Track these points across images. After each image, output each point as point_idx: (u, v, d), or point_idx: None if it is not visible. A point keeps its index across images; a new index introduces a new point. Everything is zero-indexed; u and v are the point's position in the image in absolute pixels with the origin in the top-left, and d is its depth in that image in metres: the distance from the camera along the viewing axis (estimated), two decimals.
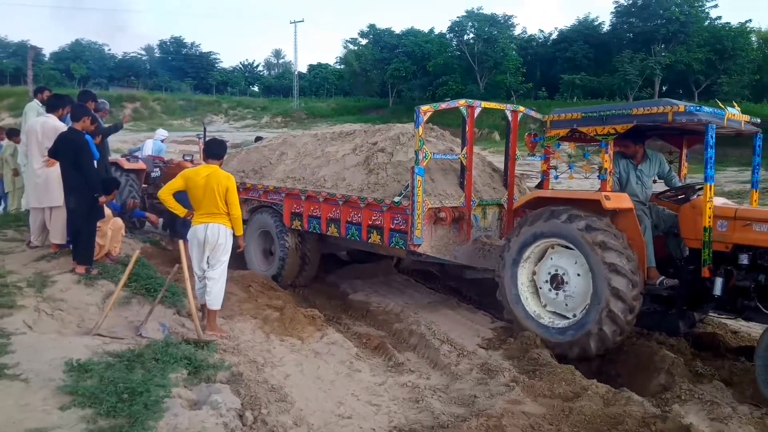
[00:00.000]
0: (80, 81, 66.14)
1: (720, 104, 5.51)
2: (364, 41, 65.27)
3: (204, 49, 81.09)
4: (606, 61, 45.76)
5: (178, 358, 4.41)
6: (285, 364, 5.10)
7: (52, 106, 6.83)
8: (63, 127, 6.46)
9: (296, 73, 70.69)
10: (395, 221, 6.51)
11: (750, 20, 49.11)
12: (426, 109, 6.47)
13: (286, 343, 5.65)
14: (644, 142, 6.15)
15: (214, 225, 5.44)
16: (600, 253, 5.15)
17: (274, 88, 78.78)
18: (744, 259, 4.99)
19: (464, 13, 49.91)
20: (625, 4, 47.50)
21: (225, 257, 5.58)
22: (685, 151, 6.64)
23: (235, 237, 5.64)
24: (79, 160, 6.01)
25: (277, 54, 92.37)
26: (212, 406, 3.78)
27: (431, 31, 59.38)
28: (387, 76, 57.21)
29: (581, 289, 5.47)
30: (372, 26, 63.79)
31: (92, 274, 6.04)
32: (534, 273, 5.88)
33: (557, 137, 6.05)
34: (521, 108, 7.67)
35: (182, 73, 75.25)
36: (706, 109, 5.20)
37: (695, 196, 5.63)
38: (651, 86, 43.01)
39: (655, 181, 6.30)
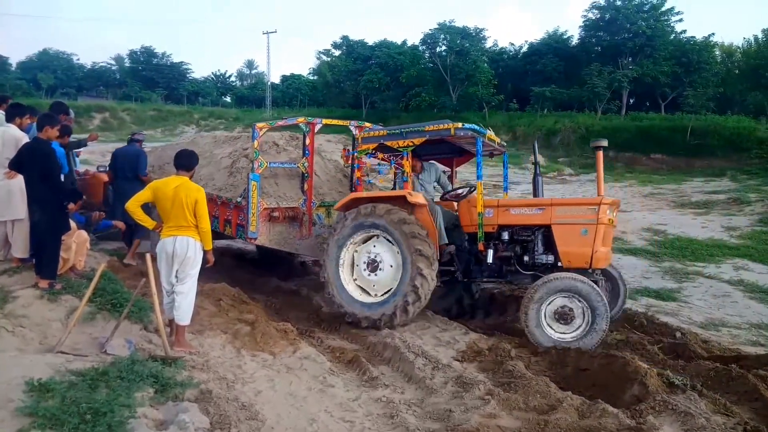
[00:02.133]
0: (48, 91, 64.90)
1: (481, 126, 7.14)
2: (337, 52, 65.40)
3: (175, 59, 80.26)
4: (575, 73, 46.48)
5: (144, 376, 4.26)
6: (256, 380, 4.98)
7: (10, 115, 6.62)
8: (24, 136, 6.26)
9: (269, 83, 70.54)
10: (240, 217, 7.61)
11: (713, 34, 50.66)
12: (261, 126, 7.68)
13: (258, 358, 5.53)
14: (421, 158, 7.86)
15: (182, 238, 5.31)
16: (402, 235, 6.58)
17: (247, 99, 78.31)
18: (505, 235, 6.83)
19: (436, 26, 50.30)
20: (593, 18, 48.37)
21: (194, 271, 5.45)
22: (455, 167, 8.57)
23: (205, 251, 5.50)
24: (46, 171, 5.81)
25: (250, 64, 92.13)
26: (179, 426, 3.66)
27: (404, 43, 59.78)
28: (360, 88, 57.30)
29: (391, 272, 6.82)
30: (345, 38, 63.99)
31: (56, 288, 5.84)
32: (353, 258, 7.14)
33: (367, 150, 7.44)
34: (367, 123, 8.63)
35: (153, 83, 74.37)
36: (477, 127, 6.90)
37: (470, 196, 7.38)
38: (619, 98, 43.83)
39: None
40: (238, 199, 7.65)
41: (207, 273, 5.75)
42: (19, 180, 6.09)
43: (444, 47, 50.07)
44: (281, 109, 70.90)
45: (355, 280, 7.12)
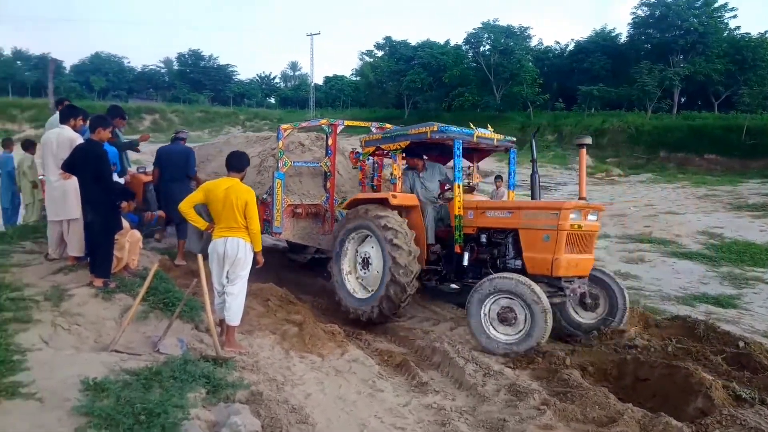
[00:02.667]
0: (100, 93, 67.00)
1: (472, 125, 7.24)
2: (380, 53, 65.50)
3: (222, 61, 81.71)
4: (624, 72, 45.34)
5: (196, 377, 4.26)
6: (305, 382, 4.94)
7: (64, 116, 6.74)
8: (78, 138, 6.39)
9: (312, 84, 71.14)
10: (266, 213, 7.89)
11: None
12: (286, 127, 8.23)
13: (306, 360, 5.49)
14: (423, 157, 7.88)
15: (233, 239, 5.32)
16: (382, 234, 6.76)
17: (291, 100, 79.19)
18: (483, 238, 6.85)
19: (480, 25, 49.80)
20: (643, 15, 47.11)
21: (244, 272, 5.45)
22: (476, 163, 8.31)
23: (255, 252, 5.50)
24: (98, 172, 5.91)
25: (294, 66, 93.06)
26: (232, 428, 3.63)
27: (447, 42, 59.45)
28: (403, 88, 57.24)
29: (379, 268, 6.98)
30: (388, 38, 64.07)
31: (110, 287, 5.94)
32: (355, 255, 7.44)
33: (368, 153, 7.86)
34: (387, 125, 9.01)
35: (200, 85, 75.95)
36: (454, 129, 6.97)
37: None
38: (670, 97, 42.53)
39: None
40: (264, 196, 8.00)
41: (254, 273, 5.74)
42: (74, 180, 6.22)
43: (488, 46, 49.52)
44: (324, 110, 71.42)
45: (357, 277, 7.44)
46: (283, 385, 4.77)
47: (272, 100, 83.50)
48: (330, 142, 8.45)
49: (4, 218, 9.82)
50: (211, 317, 5.05)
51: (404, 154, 7.56)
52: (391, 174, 7.51)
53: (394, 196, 7.02)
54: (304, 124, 8.88)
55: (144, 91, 76.34)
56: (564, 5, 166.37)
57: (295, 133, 9.30)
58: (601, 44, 49.92)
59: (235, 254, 5.32)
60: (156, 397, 3.82)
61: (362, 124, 9.11)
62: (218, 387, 4.27)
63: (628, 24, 49.28)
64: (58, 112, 7.62)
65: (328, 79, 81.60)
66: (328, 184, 8.53)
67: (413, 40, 62.15)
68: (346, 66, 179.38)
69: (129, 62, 79.35)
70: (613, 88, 44.47)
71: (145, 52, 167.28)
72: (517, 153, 8.11)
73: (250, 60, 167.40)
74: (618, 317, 6.65)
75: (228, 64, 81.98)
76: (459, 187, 6.89)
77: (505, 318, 5.96)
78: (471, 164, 8.12)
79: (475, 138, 7.09)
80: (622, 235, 15.37)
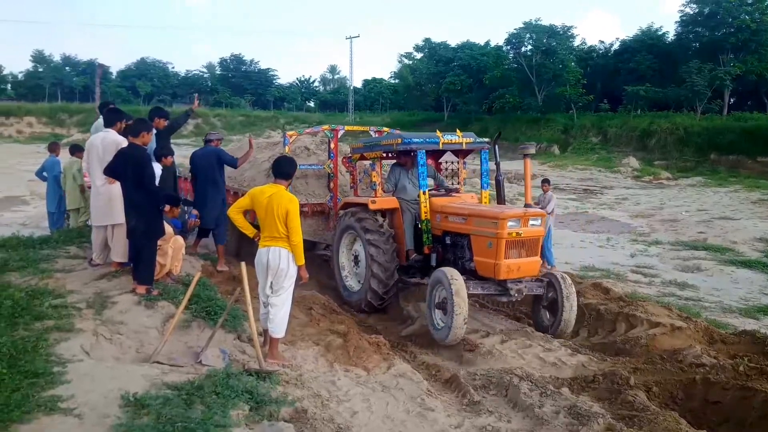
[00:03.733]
0: (145, 98, 68.60)
1: (438, 132, 7.71)
2: (419, 55, 65.22)
3: (262, 65, 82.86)
4: (671, 71, 43.97)
5: (239, 392, 4.07)
6: (351, 398, 4.71)
7: (109, 120, 6.67)
8: (123, 141, 6.30)
9: (351, 87, 71.35)
10: None
11: None
12: (291, 134, 9.16)
13: (351, 373, 5.27)
14: (412, 156, 7.89)
15: (275, 249, 5.11)
16: (363, 234, 7.50)
17: (330, 103, 79.68)
18: (447, 240, 7.35)
19: (522, 25, 48.99)
20: (692, 12, 45.61)
21: (288, 283, 5.23)
22: (461, 161, 8.70)
23: (298, 267, 5.25)
24: (140, 176, 5.80)
25: (333, 70, 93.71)
26: None
27: (487, 43, 58.78)
28: (442, 90, 56.83)
29: (364, 264, 7.65)
30: (427, 40, 63.71)
31: (153, 294, 5.83)
32: (350, 252, 8.16)
33: (356, 159, 8.68)
34: (385, 129, 9.78)
35: (241, 90, 77.07)
36: (417, 140, 7.50)
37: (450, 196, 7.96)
38: (720, 97, 41.02)
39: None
40: None
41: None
42: (119, 185, 6.13)
43: (530, 47, 48.70)
44: (363, 112, 71.61)
45: (351, 272, 8.20)
46: (328, 401, 4.56)
47: (311, 104, 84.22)
48: (332, 146, 9.14)
49: (50, 222, 9.90)
50: (254, 328, 4.87)
51: (397, 153, 8.02)
52: (371, 180, 8.14)
53: (373, 201, 7.64)
54: (307, 131, 9.91)
55: (187, 96, 77.81)
56: (608, 4, 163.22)
57: (302, 139, 10.20)
58: (647, 43, 48.49)
59: (277, 264, 5.11)
60: (198, 415, 3.64)
61: (363, 128, 9.74)
62: (262, 403, 4.08)
63: (676, 22, 47.82)
64: (101, 116, 7.60)
65: (366, 82, 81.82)
66: (332, 185, 9.24)
67: (453, 42, 61.78)
68: (385, 69, 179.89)
69: (173, 67, 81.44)
70: (660, 88, 43.15)
71: (189, 57, 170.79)
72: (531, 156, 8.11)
73: (291, 64, 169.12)
74: (557, 321, 6.84)
75: (269, 69, 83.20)
76: (425, 194, 7.48)
77: (441, 306, 6.49)
78: (457, 160, 8.69)
79: (440, 145, 7.58)
80: (675, 241, 14.74)
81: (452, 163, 8.81)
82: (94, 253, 6.77)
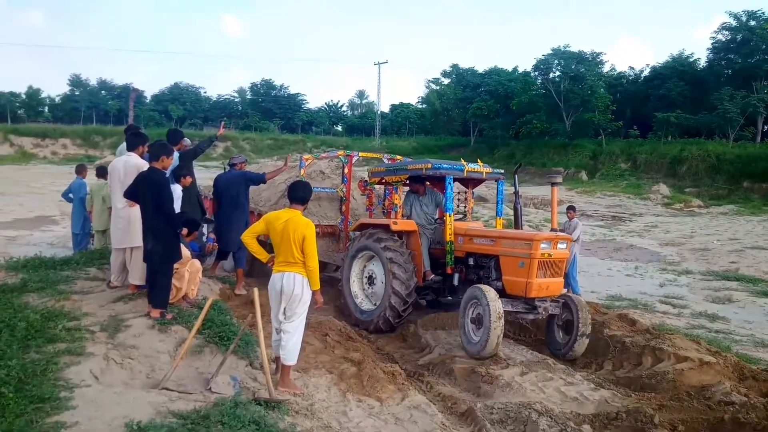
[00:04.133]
0: (177, 121, 70.05)
1: (463, 161, 8.09)
2: (446, 81, 65.57)
3: (292, 90, 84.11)
4: (702, 98, 43.38)
5: (246, 422, 3.97)
6: (362, 430, 4.58)
7: (131, 144, 6.74)
8: (145, 165, 6.34)
9: (378, 112, 71.87)
10: None
11: None
12: (307, 158, 9.53)
13: (364, 404, 5.13)
14: (425, 183, 8.62)
15: (290, 274, 5.04)
16: (383, 253, 7.71)
17: (357, 128, 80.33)
18: (471, 261, 7.74)
19: (550, 51, 48.94)
20: (724, 39, 45.13)
21: (301, 309, 5.14)
22: (470, 190, 9.19)
23: (313, 291, 5.18)
24: (159, 200, 5.81)
25: (361, 95, 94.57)
26: None
27: (515, 69, 58.86)
28: (469, 115, 56.91)
29: (382, 287, 7.86)
30: (455, 66, 64.21)
31: (167, 318, 5.81)
32: (362, 272, 8.35)
33: (374, 183, 9.10)
34: (398, 156, 10.24)
35: (271, 114, 78.23)
36: (446, 165, 7.92)
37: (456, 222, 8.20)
38: (753, 125, 40.21)
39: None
40: None
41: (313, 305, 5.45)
42: (139, 209, 6.17)
43: (558, 72, 48.63)
44: (389, 137, 71.98)
45: (363, 291, 8.33)
46: None
47: (339, 128, 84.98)
48: (346, 170, 9.50)
49: (74, 243, 10.04)
50: (265, 355, 4.78)
51: (409, 180, 8.61)
52: (393, 202, 8.79)
53: (395, 223, 7.97)
54: (323, 155, 10.31)
55: (218, 120, 79.21)
56: (639, 31, 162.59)
57: (317, 162, 10.62)
58: (678, 70, 48.05)
59: (291, 290, 5.04)
60: None
61: (377, 155, 10.35)
62: None
63: (708, 49, 47.45)
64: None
65: (394, 107, 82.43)
66: (344, 208, 9.64)
67: (480, 68, 62.00)
68: (413, 94, 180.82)
69: (205, 92, 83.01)
70: (691, 115, 42.53)
71: (221, 82, 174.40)
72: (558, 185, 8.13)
73: (320, 89, 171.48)
74: (570, 342, 7.12)
75: (298, 93, 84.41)
76: (450, 216, 7.86)
77: (476, 321, 6.76)
78: (467, 190, 9.15)
79: (465, 173, 8.02)
80: (706, 271, 14.31)
81: (459, 193, 9.04)
82: (112, 275, 6.81)
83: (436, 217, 8.55)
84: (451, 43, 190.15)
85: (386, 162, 9.99)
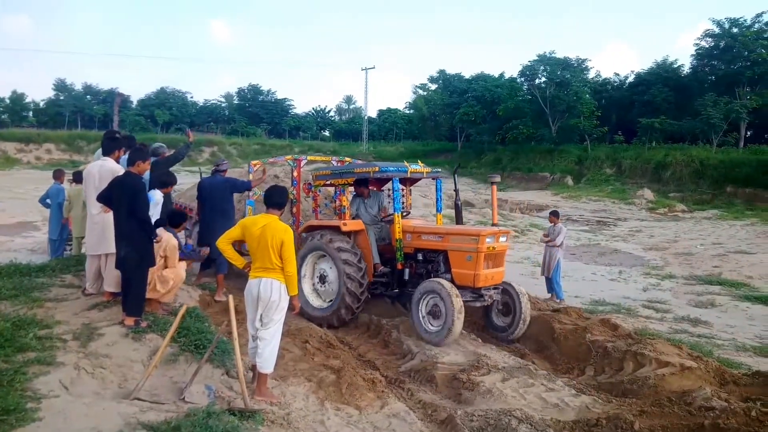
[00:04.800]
0: (163, 126, 69.55)
1: (406, 163, 8.51)
2: (433, 86, 65.71)
3: (279, 95, 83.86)
4: (687, 104, 43.82)
5: None
6: None
7: (107, 149, 6.63)
8: (120, 170, 6.24)
9: (366, 117, 71.83)
10: None
11: None
12: (255, 163, 9.87)
13: (342, 413, 5.06)
14: (368, 187, 9.15)
15: (267, 280, 4.97)
16: (337, 254, 8.01)
17: (345, 133, 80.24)
18: (419, 256, 8.22)
19: (536, 57, 49.21)
20: (707, 46, 45.62)
21: (278, 316, 5.07)
22: (408, 187, 9.69)
23: (291, 297, 5.12)
24: (134, 205, 5.69)
25: (348, 100, 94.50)
26: None
27: (501, 75, 59.14)
28: (456, 121, 57.10)
29: (334, 285, 8.19)
30: (442, 71, 64.30)
31: (141, 326, 5.70)
32: (314, 271, 8.61)
33: (319, 185, 9.37)
34: (347, 159, 10.37)
35: (258, 119, 77.91)
36: (391, 168, 8.28)
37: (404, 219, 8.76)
38: (737, 130, 40.63)
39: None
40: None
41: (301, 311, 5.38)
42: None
43: (544, 78, 48.87)
44: (377, 142, 71.99)
45: (314, 290, 8.59)
46: None
47: (327, 133, 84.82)
48: (295, 174, 9.77)
49: (51, 249, 9.87)
50: (240, 363, 4.69)
51: (354, 183, 9.12)
52: (341, 204, 9.12)
53: (345, 224, 8.34)
54: (271, 160, 10.77)
55: (205, 125, 78.83)
56: (623, 38, 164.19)
57: (273, 168, 11.01)
58: (662, 76, 48.47)
59: (268, 297, 4.96)
60: None
61: (325, 158, 10.39)
62: None
63: (692, 55, 47.93)
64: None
65: (381, 112, 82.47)
66: (294, 210, 9.92)
67: (467, 73, 62.23)
68: (400, 99, 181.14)
69: (192, 97, 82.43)
70: (675, 120, 42.92)
71: (207, 87, 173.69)
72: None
73: (307, 94, 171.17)
74: (516, 321, 7.89)
75: (285, 98, 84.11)
76: (399, 216, 8.27)
77: (433, 313, 7.30)
78: (404, 187, 9.57)
79: (409, 174, 8.47)
80: (689, 275, 14.38)
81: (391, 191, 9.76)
82: (87, 283, 6.69)
83: (381, 216, 9.08)
84: (438, 48, 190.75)
85: (335, 164, 10.39)
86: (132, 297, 5.73)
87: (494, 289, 7.91)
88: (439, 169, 9.36)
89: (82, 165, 39.41)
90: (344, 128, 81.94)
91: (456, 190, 9.16)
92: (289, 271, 5.00)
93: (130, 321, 5.66)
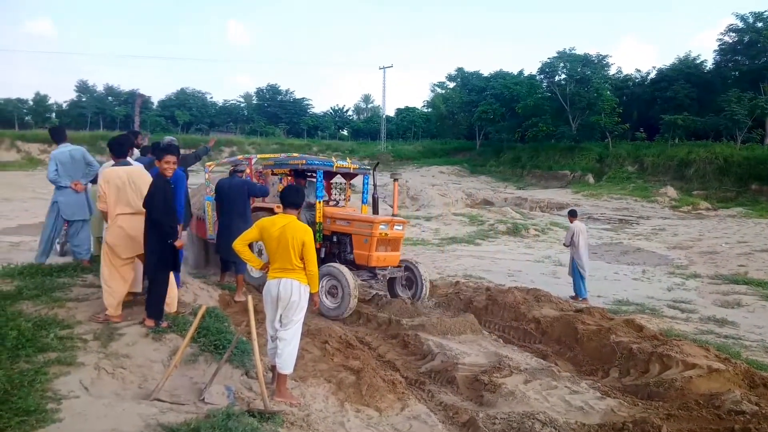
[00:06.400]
0: (183, 126, 70.16)
1: (334, 158, 10.04)
2: (451, 84, 65.41)
3: (297, 95, 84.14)
4: (710, 100, 43.06)
5: None
6: None
7: (121, 153, 6.46)
8: (141, 169, 6.27)
9: (384, 116, 71.77)
10: (205, 226, 9.95)
11: None
12: (210, 164, 10.40)
13: (362, 414, 5.01)
14: (306, 177, 10.22)
15: (287, 281, 4.93)
16: None
17: (363, 132, 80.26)
18: (334, 238, 9.44)
19: (556, 54, 48.67)
20: (731, 41, 44.82)
21: (298, 316, 5.03)
22: (348, 183, 10.85)
23: (311, 294, 5.10)
24: (165, 207, 5.62)
25: (367, 99, 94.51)
26: None
27: (521, 73, 58.70)
28: (474, 119, 56.77)
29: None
30: (460, 69, 63.99)
31: (161, 326, 5.69)
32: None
33: (267, 174, 10.27)
34: (295, 154, 10.68)
35: (276, 119, 78.27)
36: (317, 161, 9.58)
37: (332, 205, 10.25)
38: (761, 127, 39.82)
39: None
40: (199, 213, 10.17)
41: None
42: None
43: (563, 75, 48.32)
44: (395, 141, 71.87)
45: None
46: None
47: (345, 132, 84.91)
48: (248, 171, 10.05)
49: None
50: (259, 364, 4.66)
51: (294, 175, 10.02)
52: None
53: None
54: (223, 161, 11.77)
55: (224, 125, 79.38)
56: (645, 34, 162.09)
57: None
58: (685, 72, 47.68)
59: (288, 297, 4.92)
60: None
61: (274, 156, 10.91)
62: None
63: (714, 51, 47.18)
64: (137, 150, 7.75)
65: (399, 111, 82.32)
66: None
67: (486, 71, 61.86)
68: (418, 98, 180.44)
69: (211, 97, 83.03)
70: (698, 117, 42.20)
71: (227, 87, 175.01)
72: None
73: (325, 93, 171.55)
74: (418, 290, 9.45)
75: (303, 98, 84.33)
76: (320, 203, 9.34)
77: (331, 292, 8.51)
78: (345, 181, 10.81)
79: (334, 168, 9.55)
80: (714, 274, 14.10)
81: (340, 184, 11.08)
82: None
83: (314, 203, 9.78)
84: (457, 46, 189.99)
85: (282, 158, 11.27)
86: (152, 299, 5.72)
87: (395, 268, 9.37)
88: (368, 167, 10.60)
89: (103, 165, 39.87)
90: (362, 127, 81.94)
91: (374, 185, 10.24)
92: (311, 270, 5.00)
93: (150, 322, 5.65)
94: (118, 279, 5.87)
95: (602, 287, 12.31)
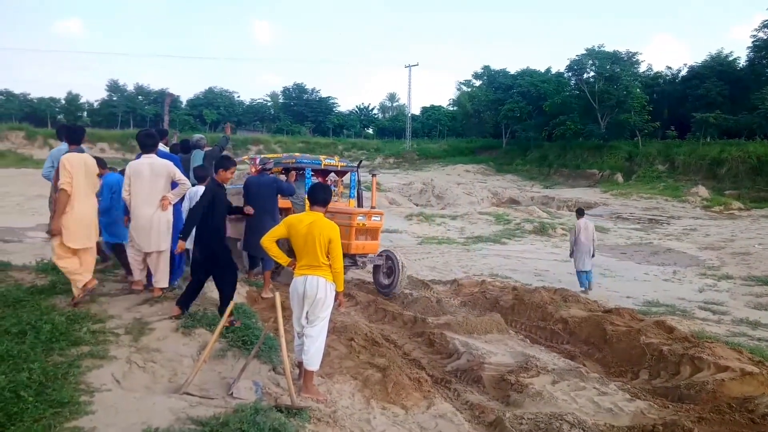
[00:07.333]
0: (211, 125, 70.97)
1: (322, 157, 10.65)
2: (477, 83, 65.02)
3: (323, 94, 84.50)
4: (743, 98, 42.04)
5: (265, 429, 3.86)
6: None
7: (149, 146, 6.57)
8: (169, 163, 6.42)
9: (409, 115, 71.69)
10: None
11: None
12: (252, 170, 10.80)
13: (388, 412, 5.01)
14: (294, 173, 10.42)
15: (313, 278, 4.96)
16: None
17: (388, 130, 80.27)
18: None
19: (584, 51, 47.97)
20: (765, 38, 43.68)
21: (324, 313, 5.05)
22: (340, 179, 12.19)
23: (336, 292, 5.12)
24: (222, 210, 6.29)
25: (392, 97, 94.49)
26: None
27: (548, 70, 58.02)
28: (501, 117, 56.30)
29: None
30: (486, 67, 63.57)
31: (235, 325, 5.82)
32: None
33: (266, 171, 9.95)
34: (297, 154, 11.13)
35: (302, 117, 78.73)
36: (306, 160, 10.36)
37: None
38: None
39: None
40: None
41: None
42: (162, 212, 6.22)
43: (592, 73, 47.61)
44: (420, 139, 71.73)
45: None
46: None
47: (370, 131, 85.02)
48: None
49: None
50: (286, 361, 4.69)
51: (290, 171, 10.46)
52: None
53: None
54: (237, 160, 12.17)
55: (251, 123, 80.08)
56: (675, 30, 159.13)
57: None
58: (717, 69, 46.57)
59: (314, 294, 4.95)
60: None
61: (277, 155, 11.32)
62: None
63: (748, 47, 45.91)
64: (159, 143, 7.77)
65: (425, 110, 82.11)
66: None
67: (512, 69, 61.29)
68: (444, 96, 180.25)
69: (239, 96, 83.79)
70: (731, 115, 41.25)
71: (254, 86, 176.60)
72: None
73: (351, 92, 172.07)
74: (396, 279, 9.96)
75: (329, 97, 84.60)
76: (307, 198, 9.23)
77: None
78: (337, 178, 11.95)
79: (323, 165, 10.48)
80: (747, 276, 13.79)
81: (333, 181, 11.87)
82: (134, 273, 6.67)
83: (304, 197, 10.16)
84: (483, 44, 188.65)
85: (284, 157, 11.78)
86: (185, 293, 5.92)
87: (376, 257, 10.04)
88: (354, 164, 11.29)
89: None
90: (388, 126, 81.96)
91: (359, 180, 11.02)
92: (337, 268, 5.01)
93: (176, 311, 5.84)
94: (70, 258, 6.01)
95: (632, 288, 12.13)
